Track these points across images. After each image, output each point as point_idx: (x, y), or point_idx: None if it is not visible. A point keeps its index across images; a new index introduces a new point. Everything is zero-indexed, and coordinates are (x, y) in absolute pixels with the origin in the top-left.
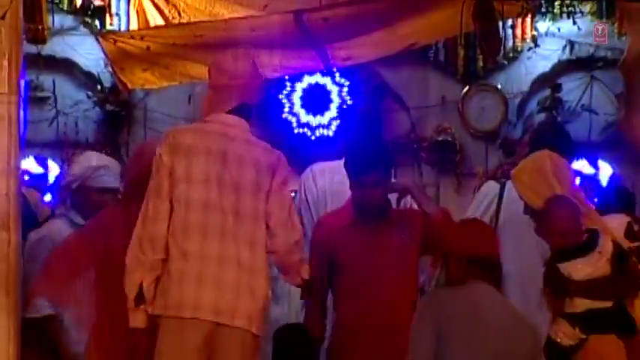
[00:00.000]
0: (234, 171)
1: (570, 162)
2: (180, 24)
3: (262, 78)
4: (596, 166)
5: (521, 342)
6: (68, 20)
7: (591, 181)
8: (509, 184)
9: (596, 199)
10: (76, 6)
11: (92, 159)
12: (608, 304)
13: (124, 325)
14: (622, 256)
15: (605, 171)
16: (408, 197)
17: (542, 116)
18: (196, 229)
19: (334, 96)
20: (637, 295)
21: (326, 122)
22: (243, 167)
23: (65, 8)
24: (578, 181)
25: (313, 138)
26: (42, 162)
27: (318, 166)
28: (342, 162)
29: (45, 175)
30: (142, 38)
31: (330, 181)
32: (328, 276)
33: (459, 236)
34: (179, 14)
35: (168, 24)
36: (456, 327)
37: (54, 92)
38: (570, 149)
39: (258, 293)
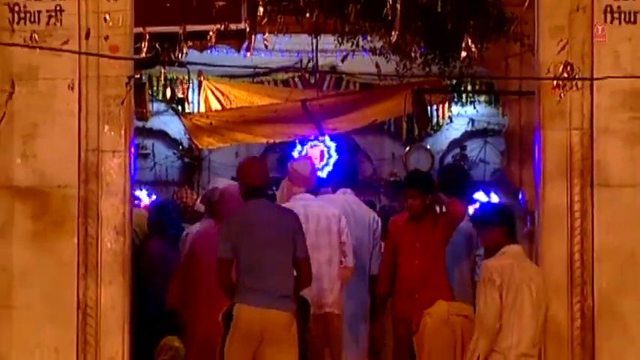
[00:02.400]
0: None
1: (469, 188)
2: (230, 108)
3: (316, 175)
4: (489, 196)
5: (284, 226)
6: (162, 106)
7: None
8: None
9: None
10: (166, 97)
11: (217, 182)
12: None
13: None
14: None
15: (494, 199)
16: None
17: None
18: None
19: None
20: None
21: (320, 167)
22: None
23: (160, 98)
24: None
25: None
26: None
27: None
28: (333, 196)
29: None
30: (207, 117)
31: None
32: (395, 252)
33: (240, 172)
34: (230, 102)
35: (223, 108)
36: (239, 230)
37: (152, 150)
38: (467, 180)
39: None
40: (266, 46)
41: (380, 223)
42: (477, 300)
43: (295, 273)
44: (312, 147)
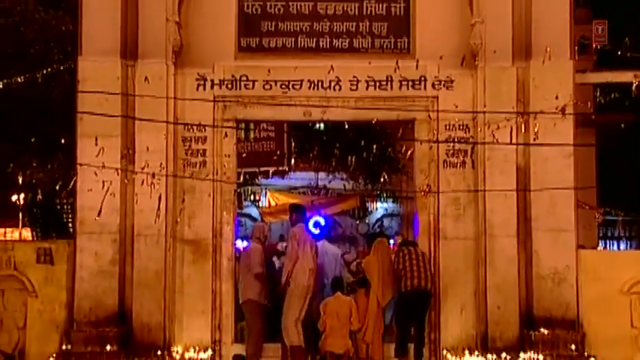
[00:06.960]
0: None
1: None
2: (280, 204)
3: None
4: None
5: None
6: (249, 203)
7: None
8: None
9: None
10: (251, 199)
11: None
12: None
13: None
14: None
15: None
16: None
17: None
18: None
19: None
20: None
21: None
22: None
23: (248, 199)
24: None
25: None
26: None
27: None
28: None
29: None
30: (269, 207)
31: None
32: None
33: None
34: (279, 201)
35: (276, 204)
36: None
37: (245, 223)
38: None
39: None
40: (295, 176)
41: (340, 255)
42: (286, 247)
43: None
44: (315, 221)
